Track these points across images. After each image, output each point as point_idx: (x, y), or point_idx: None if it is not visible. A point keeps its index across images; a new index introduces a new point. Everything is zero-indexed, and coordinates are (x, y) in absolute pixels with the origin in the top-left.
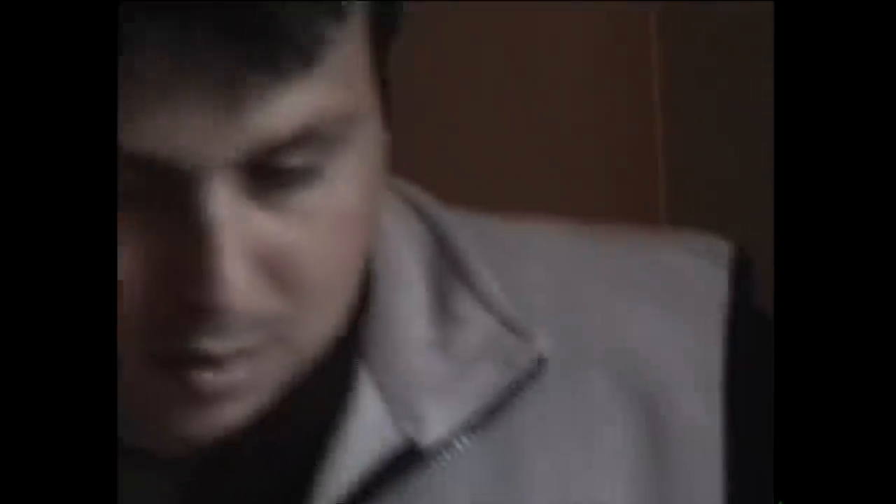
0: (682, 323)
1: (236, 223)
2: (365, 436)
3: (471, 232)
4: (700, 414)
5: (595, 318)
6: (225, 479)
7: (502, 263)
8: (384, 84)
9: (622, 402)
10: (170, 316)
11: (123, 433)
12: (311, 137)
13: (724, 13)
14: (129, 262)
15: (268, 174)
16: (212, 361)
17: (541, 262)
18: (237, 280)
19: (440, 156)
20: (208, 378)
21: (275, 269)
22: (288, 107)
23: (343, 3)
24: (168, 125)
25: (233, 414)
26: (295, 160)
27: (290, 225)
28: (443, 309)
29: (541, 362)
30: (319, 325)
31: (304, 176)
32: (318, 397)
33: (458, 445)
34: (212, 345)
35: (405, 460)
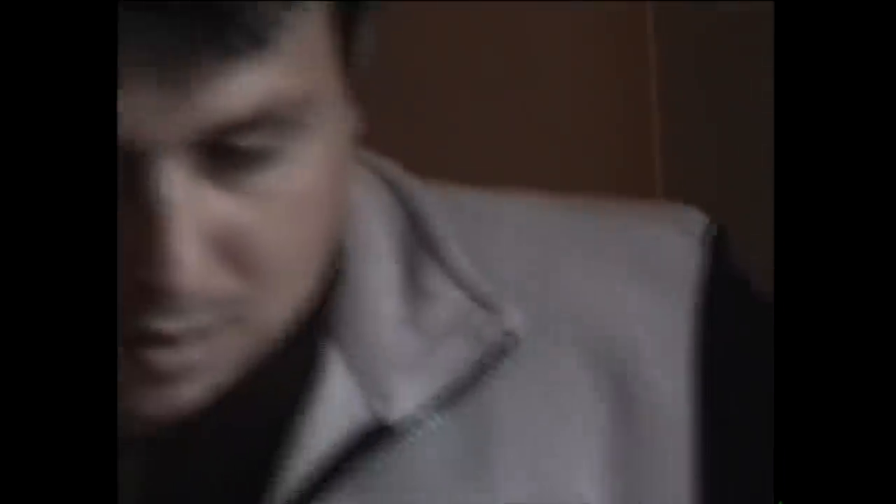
0: (654, 295)
1: (190, 204)
2: (333, 412)
3: (443, 205)
4: (670, 388)
5: (566, 291)
6: (189, 458)
7: (474, 236)
8: (354, 70)
9: (592, 376)
10: (125, 296)
11: None
12: (267, 120)
13: (722, 12)
14: None
15: (224, 155)
16: (165, 341)
17: (513, 235)
18: (189, 261)
19: (437, 156)
20: (162, 357)
21: (230, 250)
22: (239, 88)
23: None
24: (119, 105)
25: (189, 394)
26: (250, 141)
27: (247, 206)
28: (413, 284)
29: (511, 337)
30: (280, 307)
31: (261, 158)
32: (288, 374)
33: (428, 422)
34: (165, 324)
35: (374, 437)
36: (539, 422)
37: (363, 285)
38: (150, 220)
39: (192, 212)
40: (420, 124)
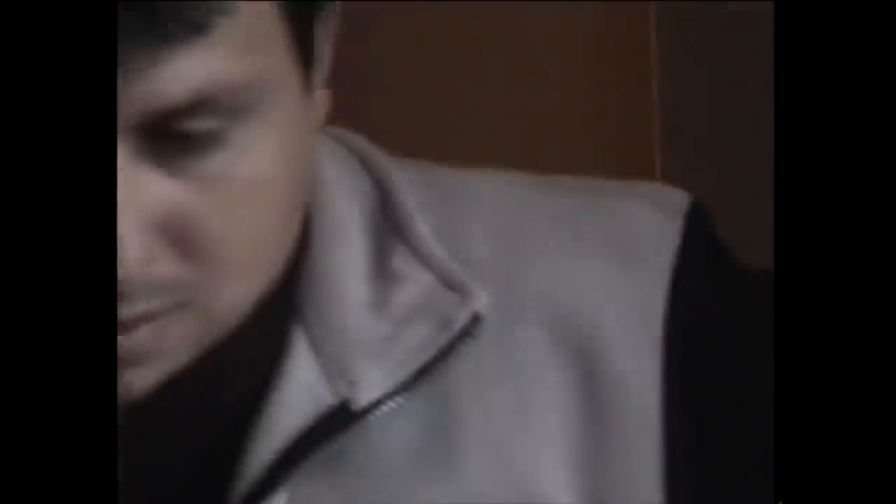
0: (626, 275)
1: (133, 188)
2: (298, 396)
3: (416, 184)
4: (637, 370)
5: (536, 270)
6: (154, 441)
7: (446, 215)
8: (313, 55)
9: (558, 358)
10: None
11: None
12: (209, 104)
13: (723, 12)
14: None
15: (166, 140)
16: None
17: (486, 213)
18: (130, 246)
19: (437, 155)
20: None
21: (175, 235)
22: (178, 73)
23: None
24: None
25: (140, 379)
26: (194, 125)
27: (192, 191)
28: (381, 266)
29: (477, 320)
30: (234, 293)
31: (204, 142)
32: (255, 356)
33: (393, 406)
34: None
35: (339, 421)
36: (502, 404)
37: (331, 268)
38: None
39: (136, 197)
40: (420, 123)
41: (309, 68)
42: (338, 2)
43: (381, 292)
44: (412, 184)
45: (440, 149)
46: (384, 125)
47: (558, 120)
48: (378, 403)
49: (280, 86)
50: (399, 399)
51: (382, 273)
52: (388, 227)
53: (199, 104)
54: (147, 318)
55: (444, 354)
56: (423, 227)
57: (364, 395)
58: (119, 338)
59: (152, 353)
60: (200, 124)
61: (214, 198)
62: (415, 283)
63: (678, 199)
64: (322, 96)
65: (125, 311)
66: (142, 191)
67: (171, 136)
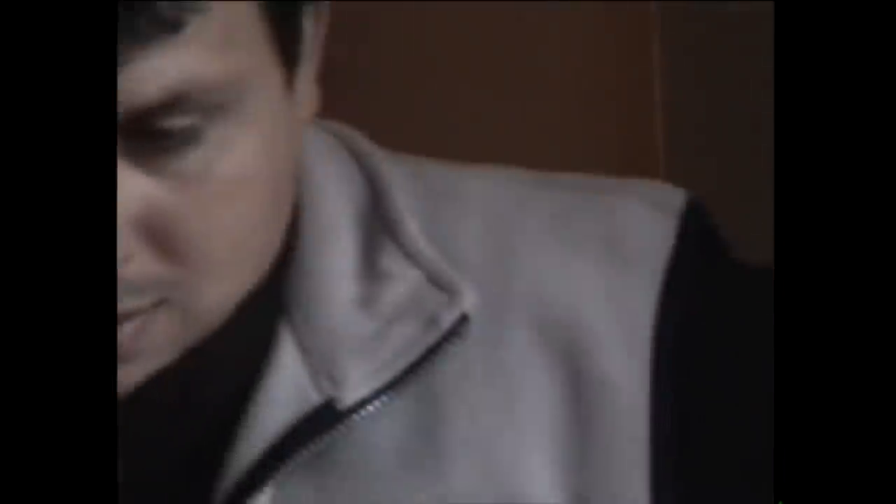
0: (618, 274)
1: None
2: (284, 395)
3: (410, 181)
4: (625, 371)
5: (526, 269)
6: (141, 438)
7: (437, 212)
8: (297, 52)
9: (544, 358)
10: None
11: None
12: (184, 102)
13: (725, 12)
14: None
15: (145, 137)
16: None
17: (478, 210)
18: None
19: (438, 155)
20: None
21: (155, 233)
22: (151, 72)
23: None
24: None
25: (124, 376)
26: (170, 123)
27: (171, 189)
28: (369, 264)
29: (465, 320)
30: (216, 290)
31: (184, 140)
32: (240, 355)
33: (378, 405)
34: None
35: (324, 420)
36: (488, 404)
37: (319, 266)
38: None
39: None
40: (421, 123)
41: (293, 65)
42: (326, 2)
43: (370, 290)
44: (405, 180)
45: (441, 149)
46: (386, 124)
47: (560, 122)
48: (364, 403)
49: (260, 83)
50: (385, 398)
51: (371, 271)
52: (379, 225)
53: (174, 103)
54: (128, 316)
55: (431, 354)
56: (412, 226)
57: (350, 395)
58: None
59: (135, 351)
60: (176, 122)
61: (192, 196)
62: (403, 282)
63: (675, 198)
64: (310, 93)
65: None
66: (119, 189)
67: (148, 134)
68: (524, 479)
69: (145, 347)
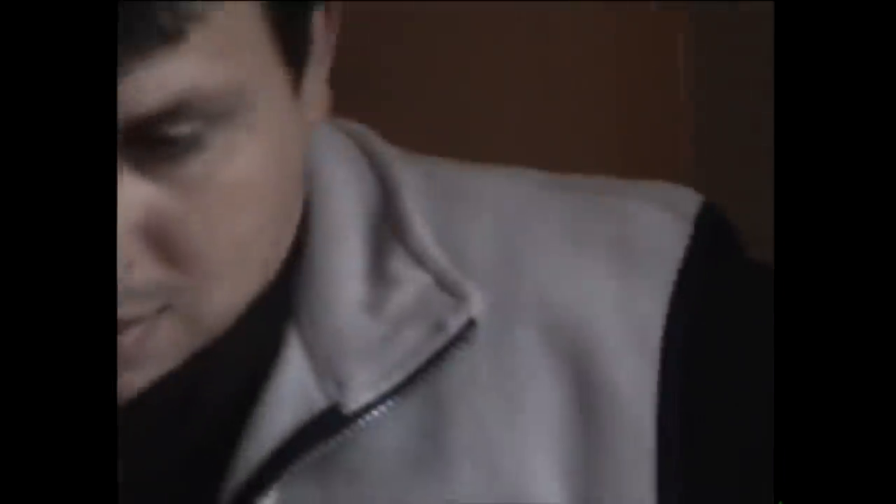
0: (627, 280)
1: (117, 195)
2: (290, 398)
3: (422, 180)
4: (632, 377)
5: (534, 272)
6: (147, 438)
7: (448, 214)
8: (304, 55)
9: (551, 362)
10: None
11: None
12: (186, 110)
13: (753, 13)
14: None
15: (147, 144)
16: None
17: (489, 212)
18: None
19: (464, 156)
20: None
21: (158, 239)
22: (152, 81)
23: None
24: None
25: (128, 382)
26: (172, 131)
27: (174, 195)
28: (377, 266)
29: (472, 325)
30: (221, 295)
31: (187, 147)
32: (246, 357)
33: (384, 409)
34: None
35: (329, 423)
36: (494, 409)
37: (327, 268)
38: None
39: (120, 203)
40: (446, 127)
41: (300, 68)
42: (336, 2)
43: (377, 293)
44: (417, 179)
45: (467, 150)
46: (417, 128)
47: (587, 124)
48: (369, 408)
49: (265, 88)
50: (391, 403)
51: (378, 273)
52: (388, 227)
53: (176, 110)
54: (132, 322)
55: (438, 359)
56: (421, 228)
57: (355, 400)
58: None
59: (139, 357)
60: (178, 129)
61: (196, 202)
62: (410, 285)
63: (690, 201)
64: (320, 94)
65: None
66: (122, 196)
67: (150, 141)
68: (530, 484)
69: (149, 353)
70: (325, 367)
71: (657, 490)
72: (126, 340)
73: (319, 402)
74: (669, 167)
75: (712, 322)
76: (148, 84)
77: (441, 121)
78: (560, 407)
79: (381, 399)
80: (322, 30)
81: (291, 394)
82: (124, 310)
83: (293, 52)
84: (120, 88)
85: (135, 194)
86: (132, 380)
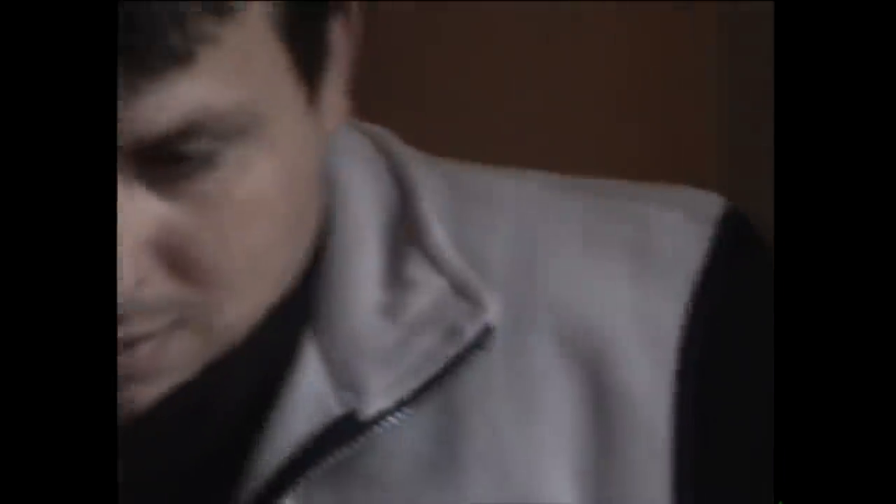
0: (645, 285)
1: (129, 212)
2: (306, 405)
3: (441, 183)
4: (648, 385)
5: (551, 276)
6: (157, 449)
7: (467, 218)
8: (321, 67)
9: (567, 369)
10: None
11: None
12: (199, 130)
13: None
14: None
15: (161, 162)
16: None
17: (508, 216)
18: (127, 269)
19: (483, 152)
20: None
21: (172, 255)
22: (163, 103)
23: (219, 1)
24: None
25: (143, 394)
26: (185, 149)
27: (188, 212)
28: (395, 271)
29: (489, 332)
30: (237, 308)
31: (201, 164)
32: (263, 363)
33: (399, 415)
34: None
35: (345, 430)
36: (509, 416)
37: (344, 274)
38: None
39: (133, 220)
40: (466, 127)
41: (316, 80)
42: (355, 8)
43: (395, 299)
44: (436, 182)
45: (483, 147)
46: (445, 130)
47: (615, 124)
48: (385, 414)
49: (277, 104)
50: (407, 410)
51: (396, 278)
52: (406, 232)
53: (188, 130)
54: (146, 337)
55: (454, 365)
56: (439, 233)
57: (371, 406)
58: (120, 356)
59: (154, 371)
60: (191, 148)
61: (208, 218)
62: (427, 290)
63: (712, 206)
64: (337, 104)
65: (123, 331)
66: (134, 213)
67: (163, 159)
68: (544, 492)
69: (163, 367)
70: (342, 373)
71: (670, 492)
72: (138, 355)
73: (336, 409)
74: (694, 171)
75: (729, 325)
76: (159, 105)
77: (464, 123)
78: (573, 409)
79: (397, 406)
80: (341, 38)
81: (307, 400)
82: (136, 326)
83: (308, 65)
84: (132, 109)
85: (147, 210)
86: (146, 392)
